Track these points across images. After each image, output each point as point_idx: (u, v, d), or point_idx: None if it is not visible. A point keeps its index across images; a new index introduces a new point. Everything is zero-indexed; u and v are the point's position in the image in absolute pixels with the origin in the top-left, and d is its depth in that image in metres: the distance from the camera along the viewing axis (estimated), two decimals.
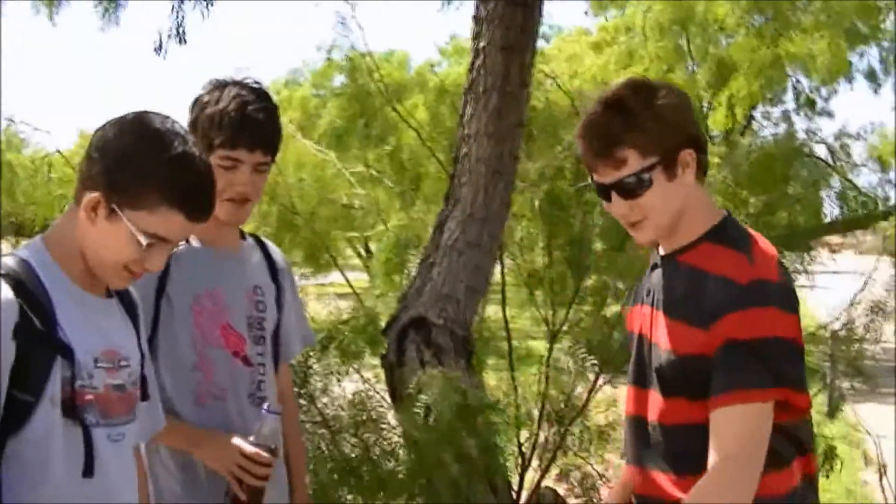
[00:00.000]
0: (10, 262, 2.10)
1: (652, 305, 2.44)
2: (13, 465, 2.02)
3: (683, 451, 2.34)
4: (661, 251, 2.46)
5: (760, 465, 2.20)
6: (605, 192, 2.37)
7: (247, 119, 2.79)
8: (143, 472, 2.45)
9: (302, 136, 11.23)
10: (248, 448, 2.76)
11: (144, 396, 2.32)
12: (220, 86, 2.86)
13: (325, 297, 6.15)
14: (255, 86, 2.88)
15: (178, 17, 6.16)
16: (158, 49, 6.36)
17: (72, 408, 2.07)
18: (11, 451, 2.02)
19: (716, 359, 2.23)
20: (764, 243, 2.40)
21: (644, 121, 2.30)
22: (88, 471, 2.10)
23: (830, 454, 6.74)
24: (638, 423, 2.50)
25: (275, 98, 2.98)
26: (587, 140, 2.37)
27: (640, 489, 2.54)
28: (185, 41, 6.40)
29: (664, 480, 2.42)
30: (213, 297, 2.85)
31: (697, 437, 2.27)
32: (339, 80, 16.16)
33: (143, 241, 2.09)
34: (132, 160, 2.09)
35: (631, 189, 2.32)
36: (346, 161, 10.63)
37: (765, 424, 2.22)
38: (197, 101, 2.87)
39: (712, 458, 2.22)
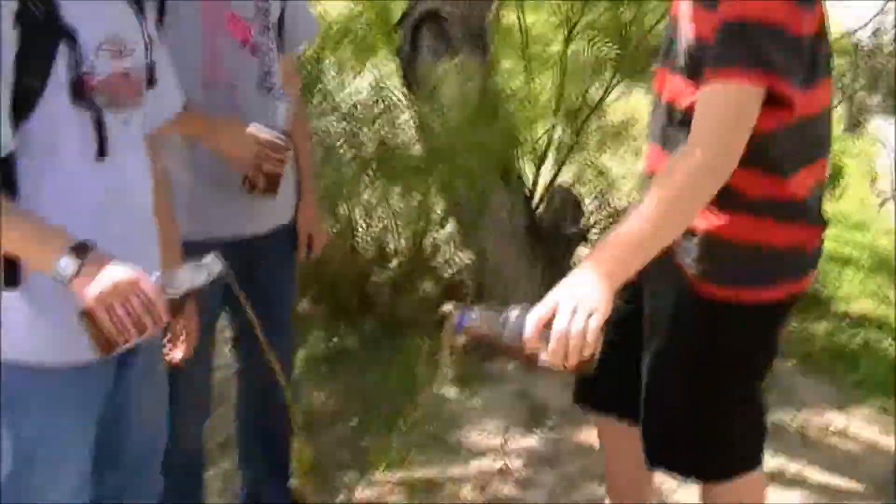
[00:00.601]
0: None
1: None
2: (27, 152, 2.03)
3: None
4: None
5: (737, 149, 2.14)
6: None
7: None
8: (158, 161, 2.44)
9: None
10: (265, 134, 2.75)
11: (152, 84, 2.29)
12: None
13: None
14: None
15: None
16: None
17: (80, 91, 2.05)
18: (23, 138, 2.02)
19: (713, 41, 2.19)
20: None
21: None
22: (101, 151, 2.11)
23: (837, 172, 6.72)
24: (658, 102, 2.50)
25: None
26: None
27: (651, 166, 2.55)
28: None
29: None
30: None
31: None
32: None
33: None
34: None
35: None
36: None
37: (746, 109, 2.14)
38: None
39: (690, 136, 2.17)
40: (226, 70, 2.81)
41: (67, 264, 1.93)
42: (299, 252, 3.21)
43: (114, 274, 1.95)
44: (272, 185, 2.85)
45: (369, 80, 4.89)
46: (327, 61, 4.81)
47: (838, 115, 7.59)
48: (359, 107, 4.66)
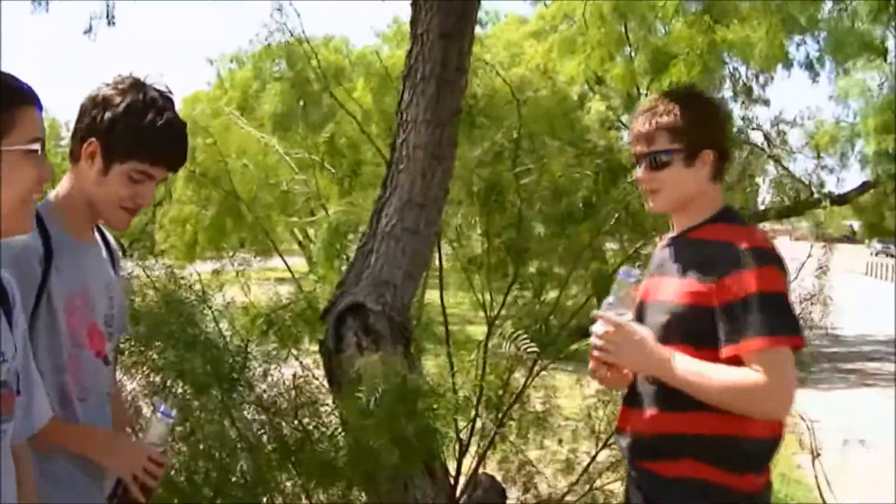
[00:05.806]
0: None
1: (661, 275, 2.95)
2: None
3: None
4: (674, 231, 3.01)
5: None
6: (637, 161, 2.95)
7: (171, 138, 2.75)
8: (27, 470, 2.36)
9: (243, 119, 11.16)
10: (155, 451, 2.77)
11: (18, 393, 2.22)
12: (135, 87, 2.74)
13: (265, 282, 6.11)
14: (169, 94, 2.79)
15: None
16: (88, 31, 6.40)
17: None
18: None
19: (730, 309, 2.70)
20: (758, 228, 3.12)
21: (681, 116, 2.88)
22: None
23: None
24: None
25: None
26: (637, 118, 2.96)
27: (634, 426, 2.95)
28: (114, 23, 6.45)
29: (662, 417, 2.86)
30: (83, 296, 2.79)
31: None
32: (279, 65, 16.13)
33: None
34: None
35: (655, 163, 2.89)
36: (288, 146, 10.53)
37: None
38: (105, 99, 2.73)
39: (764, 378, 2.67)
40: (83, 383, 2.78)
41: None
42: None
43: None
44: (149, 498, 2.80)
45: (292, 372, 4.93)
46: (252, 350, 4.86)
47: None
48: (281, 397, 4.68)
